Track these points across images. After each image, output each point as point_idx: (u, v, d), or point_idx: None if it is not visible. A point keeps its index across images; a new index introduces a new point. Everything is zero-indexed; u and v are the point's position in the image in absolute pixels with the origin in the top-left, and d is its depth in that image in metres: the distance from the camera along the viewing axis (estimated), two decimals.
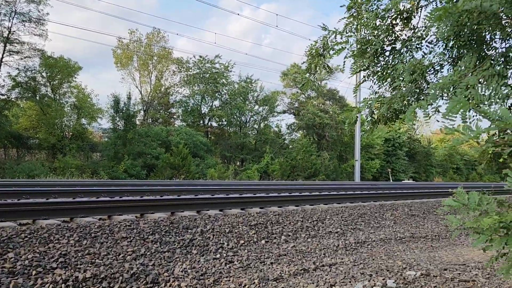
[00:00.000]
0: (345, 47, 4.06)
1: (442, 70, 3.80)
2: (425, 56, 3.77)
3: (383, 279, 4.19)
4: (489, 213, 2.40)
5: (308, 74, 4.49)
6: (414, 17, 4.01)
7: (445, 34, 3.00)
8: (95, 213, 6.47)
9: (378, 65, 4.12)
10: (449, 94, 2.80)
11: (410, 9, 3.92)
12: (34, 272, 3.95)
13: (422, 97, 3.80)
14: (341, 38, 4.02)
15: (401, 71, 3.78)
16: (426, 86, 3.78)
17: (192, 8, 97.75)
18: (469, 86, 2.64)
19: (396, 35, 4.04)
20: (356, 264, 5.12)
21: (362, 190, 16.16)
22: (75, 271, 4.08)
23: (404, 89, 3.87)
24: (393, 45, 4.05)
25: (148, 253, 4.91)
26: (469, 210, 2.50)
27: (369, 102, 4.00)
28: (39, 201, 6.86)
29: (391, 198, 12.68)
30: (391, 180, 40.23)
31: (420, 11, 4.02)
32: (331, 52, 4.11)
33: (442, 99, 2.91)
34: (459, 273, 4.60)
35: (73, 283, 3.84)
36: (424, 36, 3.91)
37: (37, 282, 3.80)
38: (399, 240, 7.12)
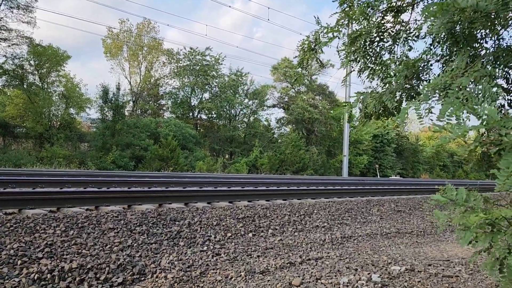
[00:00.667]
0: (337, 36, 4.07)
1: (432, 67, 3.83)
2: (418, 53, 3.79)
3: (368, 274, 4.24)
4: (475, 210, 2.44)
5: (300, 69, 4.49)
6: (406, 11, 4.03)
7: (439, 31, 3.02)
8: (82, 203, 6.43)
9: (368, 57, 4.13)
10: (441, 94, 2.82)
11: (401, 4, 3.94)
12: (19, 262, 3.93)
13: (413, 93, 3.84)
14: (333, 35, 4.02)
15: (392, 67, 3.81)
16: (417, 82, 3.81)
17: None
18: (461, 87, 2.67)
19: (385, 28, 4.05)
20: (342, 258, 5.17)
21: (350, 185, 16.27)
22: (61, 261, 4.06)
23: (394, 84, 3.89)
24: (382, 37, 4.07)
25: (135, 245, 4.91)
26: (456, 206, 2.53)
27: (361, 97, 4.01)
28: (25, 191, 6.80)
29: (378, 193, 12.79)
30: (378, 176, 40.56)
31: (412, 8, 4.05)
32: (323, 40, 4.12)
33: (436, 100, 2.92)
34: (443, 269, 4.68)
35: (58, 273, 3.83)
36: (416, 32, 3.93)
37: (22, 271, 3.78)
38: (385, 235, 7.20)
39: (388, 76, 3.98)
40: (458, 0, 2.54)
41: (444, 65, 3.71)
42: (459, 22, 2.95)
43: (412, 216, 9.40)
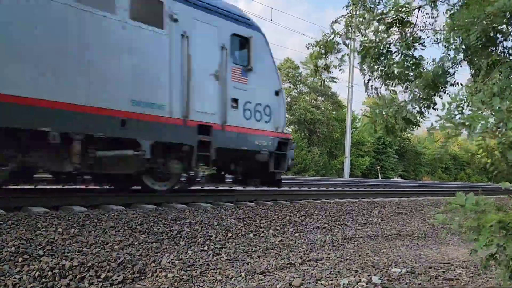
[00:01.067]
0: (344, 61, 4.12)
1: (451, 76, 3.80)
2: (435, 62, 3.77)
3: (369, 275, 4.24)
4: (488, 213, 2.41)
5: (314, 75, 4.57)
6: (411, 25, 4.04)
7: (467, 40, 2.98)
8: (83, 201, 6.43)
9: (381, 66, 4.12)
10: (466, 108, 2.73)
11: (406, 16, 3.94)
12: (20, 259, 3.94)
13: (431, 104, 3.82)
14: (339, 38, 4.06)
15: (413, 77, 3.79)
16: (434, 92, 3.78)
17: None
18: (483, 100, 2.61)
19: (392, 40, 4.06)
20: (342, 260, 5.17)
21: (351, 186, 16.28)
22: (62, 259, 4.07)
23: (413, 95, 3.88)
24: (390, 50, 4.07)
25: (135, 243, 4.91)
26: (466, 211, 2.51)
27: (381, 110, 3.94)
28: (27, 188, 6.82)
29: (379, 195, 12.79)
30: (380, 178, 40.53)
31: (418, 12, 4.05)
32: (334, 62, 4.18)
33: (461, 113, 2.83)
34: (444, 272, 4.67)
35: (59, 271, 3.84)
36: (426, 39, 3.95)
37: (23, 269, 3.79)
38: (386, 237, 7.20)
39: (411, 85, 3.94)
40: (493, 5, 2.49)
41: (470, 66, 3.64)
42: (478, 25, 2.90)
43: (413, 218, 9.39)
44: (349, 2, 4.11)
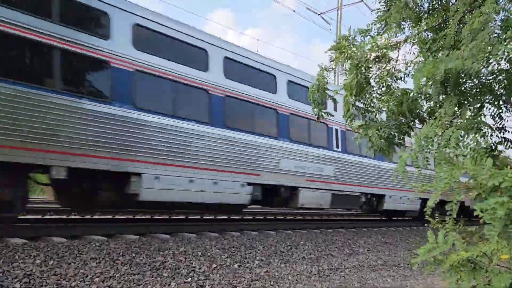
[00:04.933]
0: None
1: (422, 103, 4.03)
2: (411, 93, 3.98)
3: None
4: (458, 248, 2.55)
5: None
6: (390, 61, 4.23)
7: (430, 89, 3.25)
8: (63, 232, 6.26)
9: (363, 99, 4.34)
10: (433, 145, 2.96)
11: (385, 53, 4.12)
12: None
13: (406, 129, 4.01)
14: (328, 74, 4.32)
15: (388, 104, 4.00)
16: (410, 117, 3.97)
17: None
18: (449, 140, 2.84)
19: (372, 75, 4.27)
20: None
21: (337, 215, 16.21)
22: None
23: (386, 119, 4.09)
24: (369, 84, 4.28)
25: (117, 275, 4.77)
26: (439, 249, 2.68)
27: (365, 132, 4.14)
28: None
29: (364, 224, 12.74)
30: None
31: (399, 48, 4.18)
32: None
33: (428, 151, 3.09)
34: None
35: None
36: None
37: None
38: (372, 267, 7.13)
39: (387, 113, 4.17)
40: (445, 62, 2.72)
41: (433, 105, 3.87)
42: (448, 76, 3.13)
43: (398, 248, 9.36)
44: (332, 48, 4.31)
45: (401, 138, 4.18)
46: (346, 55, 4.10)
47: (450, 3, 4.03)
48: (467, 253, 2.44)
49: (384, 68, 4.27)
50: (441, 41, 3.63)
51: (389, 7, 4.14)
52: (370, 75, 4.24)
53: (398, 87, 4.25)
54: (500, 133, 3.60)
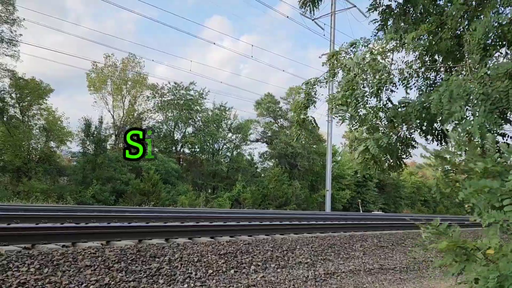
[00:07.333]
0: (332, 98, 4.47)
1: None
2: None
3: None
4: (453, 239, 2.66)
5: (297, 126, 4.86)
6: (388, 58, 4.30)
7: None
8: (58, 239, 6.22)
9: (359, 110, 4.43)
10: None
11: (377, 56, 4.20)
12: None
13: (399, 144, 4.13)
14: (320, 87, 4.41)
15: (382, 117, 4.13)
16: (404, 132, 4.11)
17: (170, 36, 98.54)
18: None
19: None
20: None
21: (333, 220, 16.22)
22: None
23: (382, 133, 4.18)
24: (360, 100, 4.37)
25: (112, 283, 4.75)
26: (440, 235, 2.80)
27: (367, 145, 4.24)
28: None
29: (360, 228, 12.74)
30: (361, 211, 40.57)
31: (392, 54, 4.24)
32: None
33: None
34: None
35: None
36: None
37: None
38: (368, 271, 7.13)
39: (381, 127, 4.28)
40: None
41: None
42: None
43: (394, 252, 9.36)
44: (328, 59, 4.36)
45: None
46: (339, 64, 4.15)
47: (446, 8, 4.11)
48: (460, 243, 2.55)
49: (380, 76, 4.31)
50: (437, 45, 3.71)
51: (386, 21, 4.24)
52: (366, 89, 4.31)
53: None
54: None
